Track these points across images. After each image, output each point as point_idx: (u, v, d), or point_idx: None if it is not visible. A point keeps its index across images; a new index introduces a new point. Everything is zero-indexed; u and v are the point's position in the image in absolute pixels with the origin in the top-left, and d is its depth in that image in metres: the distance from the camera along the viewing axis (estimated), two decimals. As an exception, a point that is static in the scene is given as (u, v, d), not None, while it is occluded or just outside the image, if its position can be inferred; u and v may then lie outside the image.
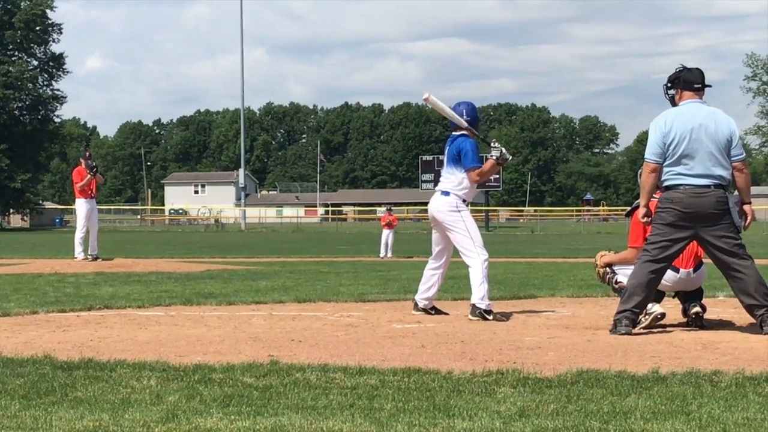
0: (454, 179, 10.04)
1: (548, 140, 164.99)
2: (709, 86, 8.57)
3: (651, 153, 8.37)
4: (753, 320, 8.41)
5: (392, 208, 30.96)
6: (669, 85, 8.65)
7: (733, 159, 8.36)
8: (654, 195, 8.58)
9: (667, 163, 8.34)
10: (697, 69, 8.60)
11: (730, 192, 8.45)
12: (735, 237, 8.35)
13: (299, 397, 5.53)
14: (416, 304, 10.37)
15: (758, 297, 8.26)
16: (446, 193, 10.05)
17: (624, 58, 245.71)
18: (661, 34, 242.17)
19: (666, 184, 8.39)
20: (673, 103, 8.61)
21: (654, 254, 8.38)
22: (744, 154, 8.49)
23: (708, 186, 8.27)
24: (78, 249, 19.83)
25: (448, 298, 12.01)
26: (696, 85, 8.51)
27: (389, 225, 27.71)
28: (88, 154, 20.91)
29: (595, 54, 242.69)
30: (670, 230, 8.33)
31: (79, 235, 19.89)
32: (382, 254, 26.67)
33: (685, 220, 8.27)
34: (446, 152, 10.21)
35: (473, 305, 9.72)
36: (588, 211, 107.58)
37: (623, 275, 8.89)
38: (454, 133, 10.25)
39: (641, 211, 8.52)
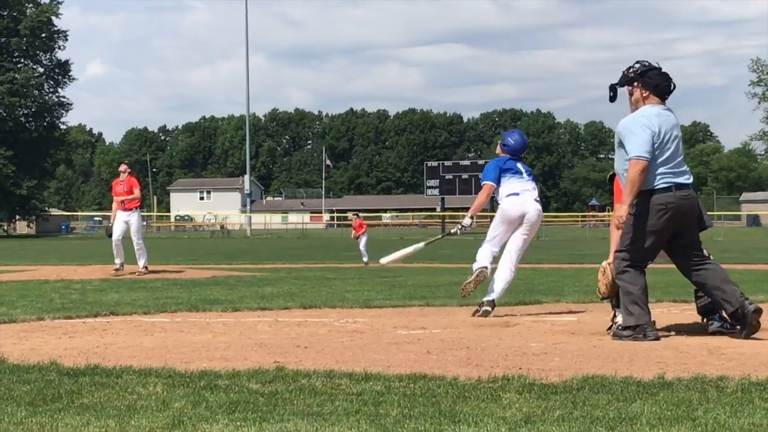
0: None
1: (553, 146, 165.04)
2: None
3: (644, 151, 8.19)
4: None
5: (359, 213, 30.45)
6: (635, 75, 8.48)
7: None
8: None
9: (655, 163, 8.28)
10: (669, 80, 8.56)
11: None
12: (698, 237, 8.56)
13: (305, 403, 5.54)
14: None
15: (727, 293, 8.33)
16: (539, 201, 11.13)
17: (624, 64, 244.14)
18: (661, 39, 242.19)
19: (658, 186, 8.30)
20: (629, 84, 8.49)
21: (636, 258, 8.37)
22: None
23: (689, 186, 8.40)
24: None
25: (453, 304, 12.01)
26: (665, 96, 8.56)
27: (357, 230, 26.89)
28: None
29: (595, 59, 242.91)
30: (659, 236, 8.33)
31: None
32: (363, 258, 25.83)
33: (674, 225, 8.31)
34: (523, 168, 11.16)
35: (492, 301, 10.65)
36: (593, 216, 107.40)
37: None
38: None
39: (624, 209, 8.33)
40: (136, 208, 19.55)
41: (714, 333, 8.71)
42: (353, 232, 27.22)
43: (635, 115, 8.40)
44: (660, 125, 8.30)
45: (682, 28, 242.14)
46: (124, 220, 19.34)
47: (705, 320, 8.93)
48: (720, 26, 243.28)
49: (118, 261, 19.07)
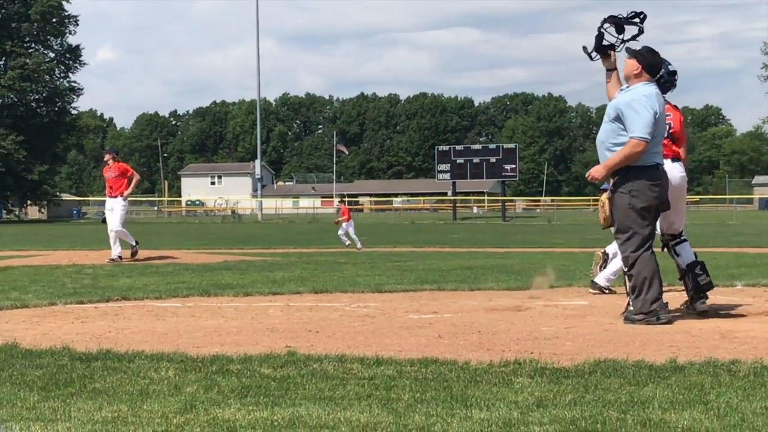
0: None
1: (565, 129, 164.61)
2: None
3: (647, 132, 8.22)
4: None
5: (344, 199, 30.08)
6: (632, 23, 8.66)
7: None
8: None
9: (651, 142, 8.33)
10: (660, 57, 8.58)
11: None
12: None
13: (317, 387, 5.54)
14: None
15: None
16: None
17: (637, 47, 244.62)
18: (674, 22, 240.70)
19: (649, 163, 8.34)
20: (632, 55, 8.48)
21: (644, 240, 8.38)
22: None
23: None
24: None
25: (464, 288, 12.01)
26: (657, 74, 8.56)
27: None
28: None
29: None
30: (655, 210, 8.42)
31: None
32: (356, 245, 25.52)
33: (661, 200, 8.41)
34: None
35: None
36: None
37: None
38: None
39: (601, 171, 8.46)
40: (121, 194, 18.68)
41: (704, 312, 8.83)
42: (340, 217, 27.00)
43: (638, 94, 8.34)
44: (659, 106, 8.35)
45: (695, 10, 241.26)
46: (110, 207, 18.83)
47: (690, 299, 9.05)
48: (733, 9, 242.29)
49: (114, 253, 18.30)
